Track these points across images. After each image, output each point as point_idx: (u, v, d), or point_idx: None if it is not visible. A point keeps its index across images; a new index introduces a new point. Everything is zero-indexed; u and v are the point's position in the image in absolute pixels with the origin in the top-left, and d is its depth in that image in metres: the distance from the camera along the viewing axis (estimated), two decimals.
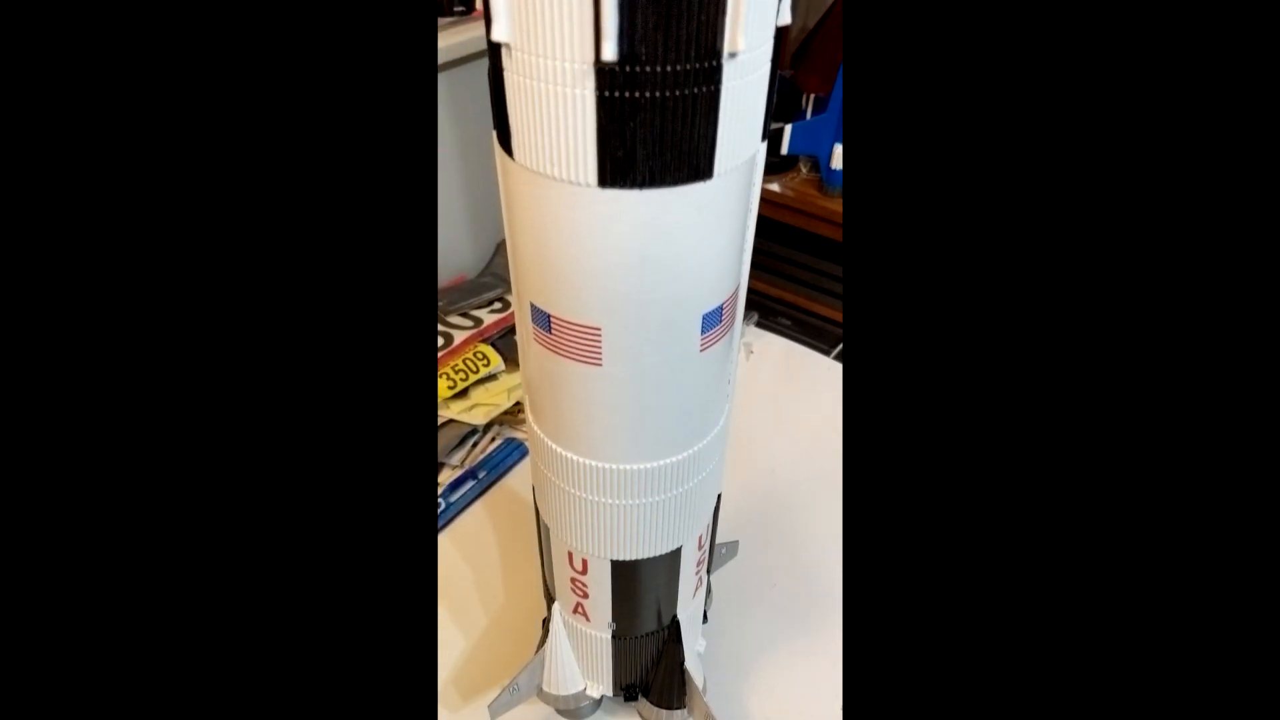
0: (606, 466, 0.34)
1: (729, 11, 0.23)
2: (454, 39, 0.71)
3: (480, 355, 0.74)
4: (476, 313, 0.82)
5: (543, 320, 0.31)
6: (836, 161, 1.05)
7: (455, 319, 0.80)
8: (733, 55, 0.24)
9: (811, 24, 1.43)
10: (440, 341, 0.76)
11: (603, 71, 0.23)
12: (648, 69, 0.23)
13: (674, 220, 0.27)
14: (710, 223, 0.28)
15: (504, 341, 0.79)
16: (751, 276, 0.36)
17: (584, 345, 0.30)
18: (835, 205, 1.08)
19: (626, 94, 0.23)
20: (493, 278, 0.89)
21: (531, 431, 0.37)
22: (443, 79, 0.72)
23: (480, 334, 0.78)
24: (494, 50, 0.25)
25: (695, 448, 0.35)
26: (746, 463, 0.71)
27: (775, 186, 1.12)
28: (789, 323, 1.34)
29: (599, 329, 0.29)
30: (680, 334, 0.30)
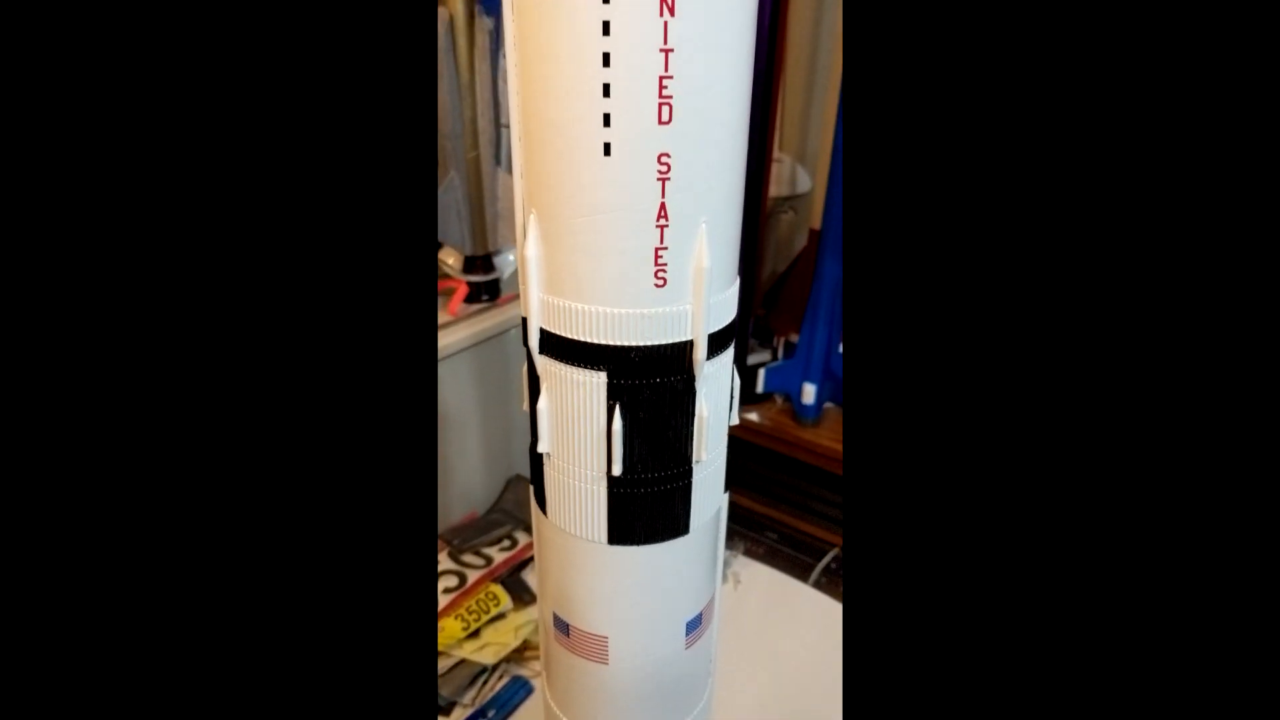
0: None
1: (695, 440, 0.35)
2: (481, 325, 0.86)
3: (491, 595, 0.82)
4: (487, 550, 0.90)
5: (563, 627, 0.40)
6: (807, 397, 1.19)
7: (468, 557, 0.89)
8: (699, 461, 0.35)
9: (781, 268, 1.64)
10: (455, 581, 0.84)
11: (612, 479, 0.34)
12: (642, 476, 0.34)
13: (662, 563, 0.37)
14: (689, 560, 0.38)
15: (512, 579, 0.87)
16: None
17: (595, 648, 0.39)
18: (808, 434, 1.21)
19: (627, 490, 0.35)
20: (502, 514, 0.98)
21: (549, 708, 0.45)
22: (470, 354, 0.87)
23: (491, 573, 0.86)
24: (538, 455, 0.37)
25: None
26: (734, 701, 0.77)
27: (754, 416, 1.25)
28: (775, 536, 1.42)
29: (606, 637, 0.39)
30: (670, 638, 0.40)
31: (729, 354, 0.36)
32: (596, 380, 0.32)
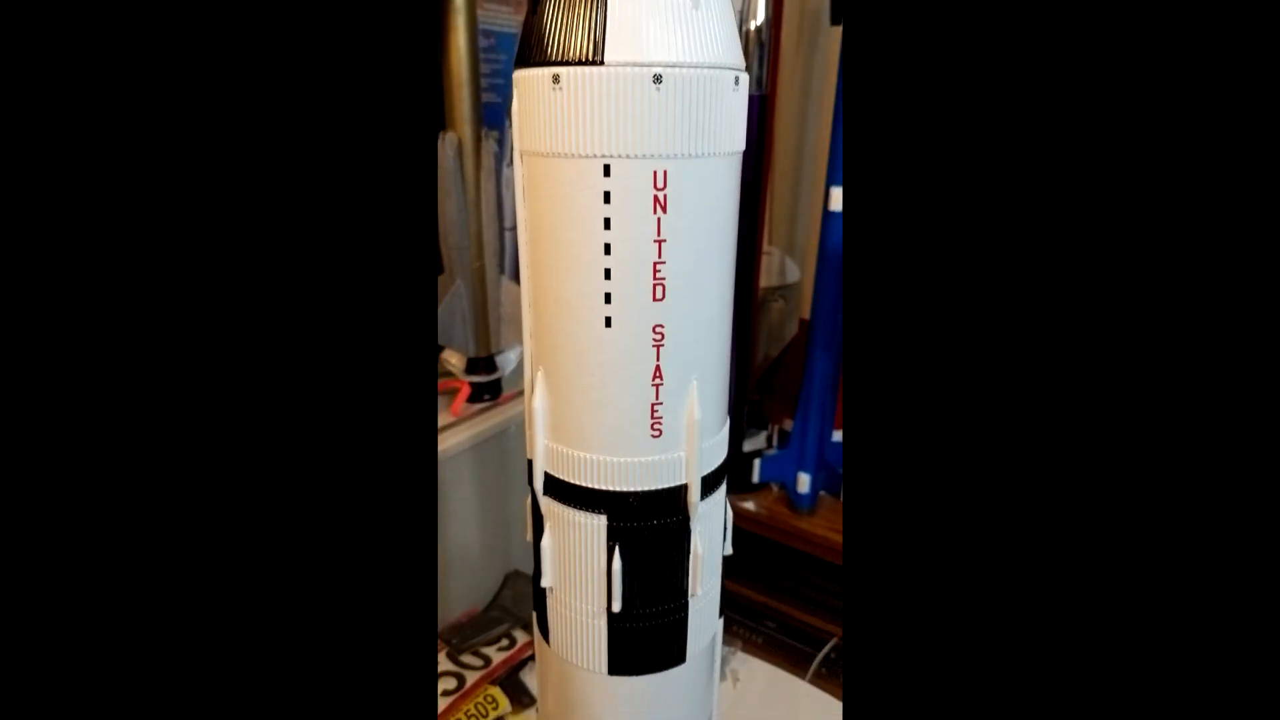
0: None
1: (690, 576, 0.37)
2: (483, 424, 0.89)
3: (490, 699, 0.82)
4: (486, 650, 0.90)
5: None
6: (802, 487, 1.21)
7: (467, 658, 0.88)
8: (694, 595, 0.37)
9: (774, 353, 1.69)
10: (454, 684, 0.84)
11: (612, 614, 0.36)
12: (640, 611, 0.36)
13: (660, 690, 0.39)
14: (686, 686, 0.40)
15: (510, 681, 0.86)
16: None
17: None
18: (804, 524, 1.22)
19: (627, 624, 0.37)
20: (500, 611, 0.98)
21: None
22: (472, 452, 0.89)
23: (489, 674, 0.86)
24: (541, 589, 0.39)
25: None
26: None
27: (750, 505, 1.26)
28: (774, 625, 1.40)
29: None
30: None
31: (721, 491, 0.38)
32: (597, 523, 0.35)
